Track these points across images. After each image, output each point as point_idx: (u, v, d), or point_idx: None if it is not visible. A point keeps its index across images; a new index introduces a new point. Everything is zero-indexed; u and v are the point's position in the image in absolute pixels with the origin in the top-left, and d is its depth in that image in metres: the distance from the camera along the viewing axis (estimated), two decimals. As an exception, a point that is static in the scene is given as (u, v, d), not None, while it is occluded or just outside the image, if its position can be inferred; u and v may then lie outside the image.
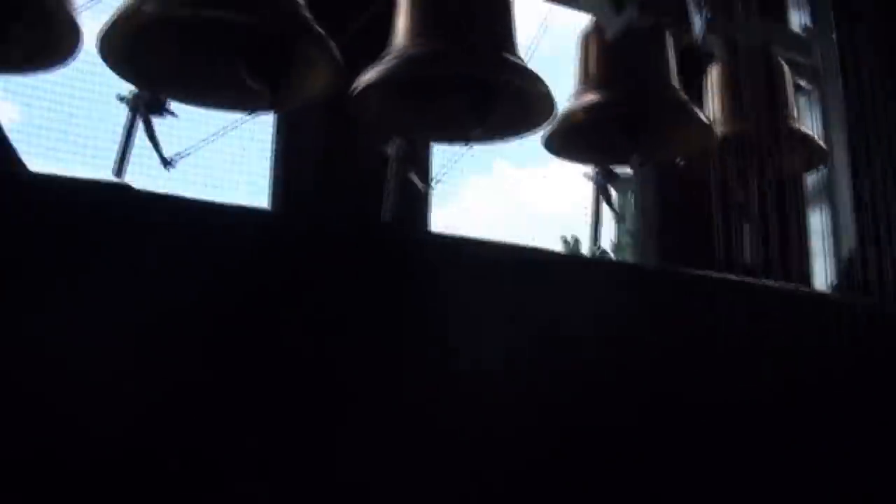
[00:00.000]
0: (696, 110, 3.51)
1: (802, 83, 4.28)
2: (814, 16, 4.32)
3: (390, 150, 3.27)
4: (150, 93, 2.86)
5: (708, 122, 3.53)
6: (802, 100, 4.36)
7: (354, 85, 3.02)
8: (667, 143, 3.53)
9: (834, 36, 4.32)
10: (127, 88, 2.88)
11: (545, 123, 3.23)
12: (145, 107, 2.86)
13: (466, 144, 3.14)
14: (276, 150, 3.67)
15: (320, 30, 2.75)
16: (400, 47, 3.07)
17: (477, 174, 4.30)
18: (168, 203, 2.38)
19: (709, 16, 2.40)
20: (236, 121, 2.98)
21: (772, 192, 3.73)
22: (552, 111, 3.15)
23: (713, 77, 3.96)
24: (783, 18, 4.41)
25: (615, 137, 3.49)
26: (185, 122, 3.06)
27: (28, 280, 2.03)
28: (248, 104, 2.93)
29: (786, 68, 3.94)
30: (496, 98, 3.05)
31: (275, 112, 3.36)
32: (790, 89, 3.95)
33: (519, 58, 3.09)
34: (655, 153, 3.49)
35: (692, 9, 2.53)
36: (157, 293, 2.25)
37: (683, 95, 3.51)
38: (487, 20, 3.13)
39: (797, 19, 4.37)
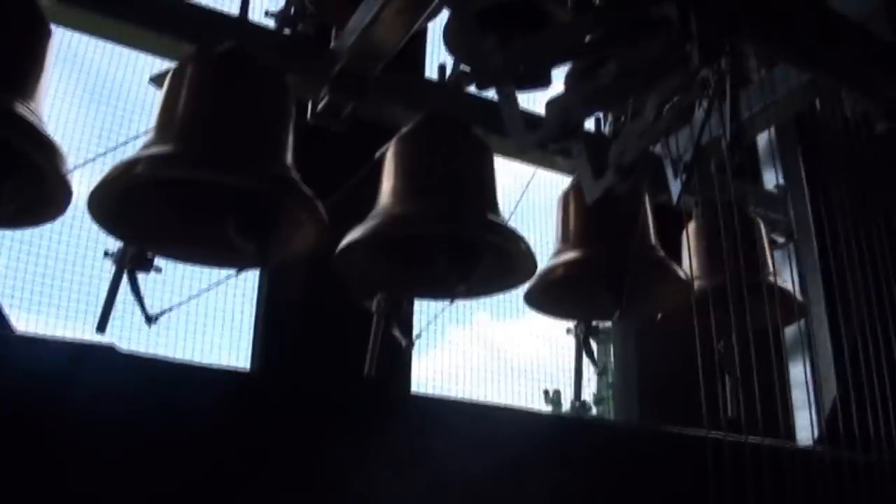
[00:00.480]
0: (674, 267, 3.58)
1: (778, 238, 4.38)
2: (786, 175, 4.47)
3: (374, 306, 3.31)
4: (135, 249, 2.89)
5: (686, 278, 3.59)
6: (779, 254, 4.45)
7: (341, 243, 3.08)
8: (646, 298, 3.58)
9: (806, 193, 4.47)
10: (113, 244, 2.91)
11: (527, 280, 3.28)
12: (131, 262, 2.88)
13: (451, 301, 3.17)
14: (259, 305, 3.71)
15: (308, 190, 2.81)
16: (385, 207, 3.14)
17: (458, 326, 4.34)
18: (149, 363, 2.39)
19: (685, 178, 2.47)
20: (221, 278, 3.00)
21: (752, 345, 3.76)
22: (534, 269, 3.20)
23: (691, 233, 4.04)
24: (757, 177, 4.54)
25: (595, 294, 3.54)
26: (169, 276, 3.10)
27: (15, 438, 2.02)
28: (235, 262, 2.96)
29: (761, 224, 4.04)
30: (479, 256, 3.11)
31: (261, 269, 3.40)
32: (766, 244, 4.04)
33: (500, 217, 3.16)
34: (635, 309, 3.53)
35: (669, 172, 2.61)
36: (138, 452, 2.23)
37: (661, 252, 3.59)
38: (470, 182, 3.22)
39: (770, 178, 4.51)
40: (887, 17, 2.80)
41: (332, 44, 3.24)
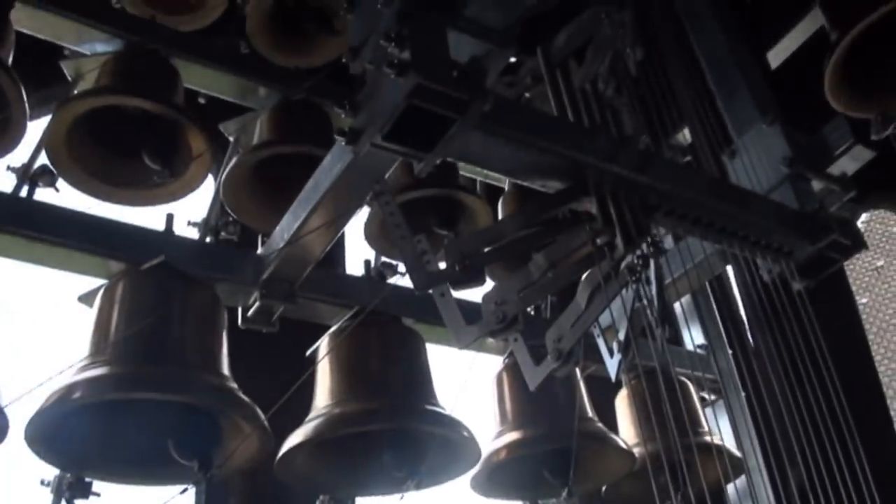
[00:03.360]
0: (615, 437, 3.62)
1: (707, 396, 4.46)
2: (706, 334, 4.60)
3: (317, 511, 3.26)
4: (74, 475, 2.80)
5: (627, 448, 3.63)
6: (710, 411, 4.51)
7: (282, 448, 3.04)
8: (590, 472, 3.59)
9: (728, 349, 4.59)
10: (50, 472, 2.82)
11: (473, 466, 3.27)
12: (69, 490, 2.79)
13: (401, 497, 3.12)
14: (198, 517, 3.60)
15: (247, 401, 2.80)
16: (325, 407, 3.13)
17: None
18: None
19: (621, 357, 2.55)
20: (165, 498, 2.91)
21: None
22: (478, 455, 3.20)
23: (622, 401, 4.11)
24: (678, 341, 4.66)
25: (540, 473, 3.54)
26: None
27: None
28: (176, 479, 2.89)
29: (689, 385, 4.12)
30: (424, 448, 3.10)
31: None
32: (697, 404, 4.12)
33: (440, 406, 3.18)
34: (582, 483, 3.53)
35: (602, 347, 2.69)
36: None
37: (600, 425, 3.64)
38: (406, 374, 3.25)
39: (691, 339, 4.63)
40: (791, 188, 2.99)
41: (260, 250, 3.28)
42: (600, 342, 2.75)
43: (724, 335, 4.54)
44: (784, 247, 2.90)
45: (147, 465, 2.92)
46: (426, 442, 3.13)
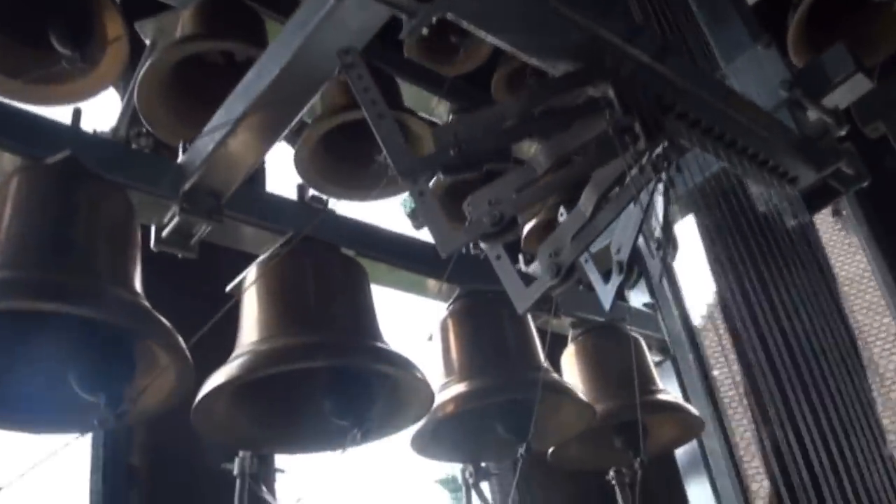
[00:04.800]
0: (573, 389, 3.26)
1: (655, 357, 4.15)
2: (652, 292, 4.30)
3: (236, 466, 2.81)
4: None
5: (587, 401, 3.25)
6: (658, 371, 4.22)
7: (200, 391, 2.55)
8: (546, 427, 3.19)
9: (674, 309, 4.30)
10: None
11: (424, 415, 2.84)
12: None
13: (342, 451, 2.67)
14: (94, 473, 3.08)
15: (168, 325, 2.32)
16: (251, 344, 2.65)
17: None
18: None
19: (621, 280, 2.18)
20: (57, 447, 2.39)
21: (645, 469, 3.51)
22: (431, 400, 2.77)
23: (569, 359, 3.76)
24: (623, 298, 4.34)
25: (489, 431, 3.15)
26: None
27: None
28: (75, 425, 2.39)
29: (642, 342, 3.81)
30: (372, 393, 2.66)
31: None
32: (650, 362, 3.81)
33: (387, 344, 2.74)
34: (536, 441, 3.13)
35: (592, 274, 2.31)
36: None
37: (556, 375, 3.27)
38: (349, 307, 2.81)
39: (637, 298, 4.33)
40: (790, 113, 2.70)
41: (181, 158, 2.79)
42: (589, 267, 2.39)
43: (669, 293, 4.24)
44: (790, 172, 2.59)
45: (38, 407, 2.39)
46: (373, 385, 2.68)
